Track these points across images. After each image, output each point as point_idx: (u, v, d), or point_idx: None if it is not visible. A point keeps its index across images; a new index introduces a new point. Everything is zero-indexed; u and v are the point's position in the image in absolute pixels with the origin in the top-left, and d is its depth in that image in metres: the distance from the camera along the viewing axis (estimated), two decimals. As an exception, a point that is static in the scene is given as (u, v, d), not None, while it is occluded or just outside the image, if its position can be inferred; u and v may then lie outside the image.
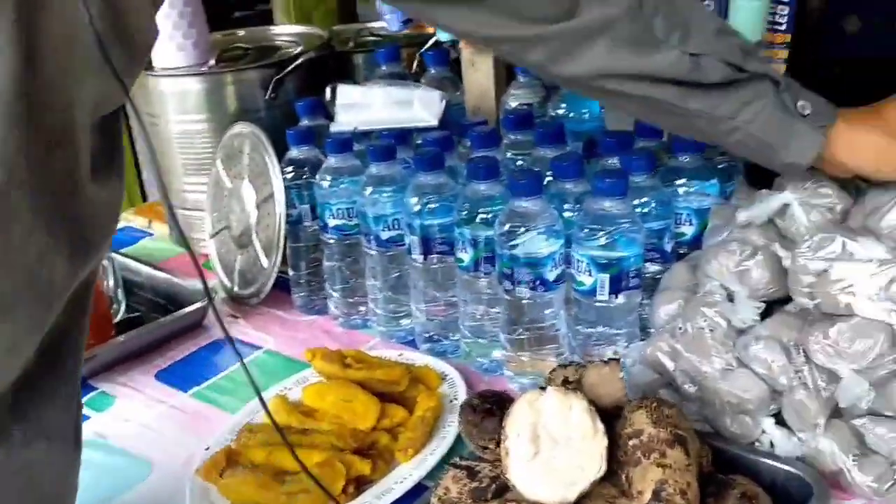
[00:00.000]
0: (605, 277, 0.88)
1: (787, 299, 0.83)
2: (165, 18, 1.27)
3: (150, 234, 1.52)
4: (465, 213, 0.96)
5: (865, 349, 0.73)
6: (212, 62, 1.31)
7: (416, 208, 1.00)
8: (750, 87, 0.72)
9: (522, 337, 0.95)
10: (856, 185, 0.88)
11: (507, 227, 0.91)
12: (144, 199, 2.04)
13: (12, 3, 0.46)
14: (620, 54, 0.71)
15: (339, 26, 1.74)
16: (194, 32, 1.31)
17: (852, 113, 0.76)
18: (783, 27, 0.87)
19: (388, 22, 1.24)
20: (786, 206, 0.85)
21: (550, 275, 0.91)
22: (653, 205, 0.94)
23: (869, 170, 0.77)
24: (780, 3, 0.86)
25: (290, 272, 1.20)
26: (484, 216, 0.95)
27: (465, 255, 0.97)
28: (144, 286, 1.28)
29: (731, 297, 0.84)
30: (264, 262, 1.17)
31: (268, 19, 1.99)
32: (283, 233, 1.14)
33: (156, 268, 1.29)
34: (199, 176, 1.32)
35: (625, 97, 0.74)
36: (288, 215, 1.14)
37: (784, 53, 0.89)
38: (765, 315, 0.83)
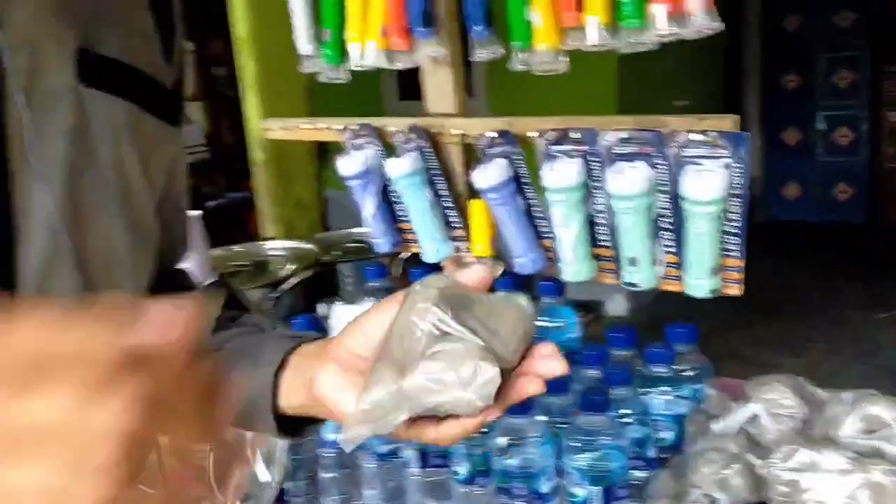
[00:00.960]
0: (598, 490, 0.94)
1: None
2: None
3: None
4: (461, 427, 1.03)
5: (841, 555, 0.80)
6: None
7: (414, 423, 1.07)
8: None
9: (520, 549, 0.99)
10: (813, 393, 0.98)
11: (501, 441, 0.98)
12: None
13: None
14: None
15: (322, 234, 1.87)
16: (197, 254, 1.41)
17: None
18: (737, 253, 0.99)
19: (377, 245, 1.34)
20: (755, 416, 0.94)
21: (545, 487, 0.97)
22: (634, 414, 1.02)
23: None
24: (730, 234, 0.99)
25: (288, 484, 1.24)
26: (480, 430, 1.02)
27: (462, 469, 1.03)
28: None
29: (714, 505, 0.91)
30: (264, 476, 1.21)
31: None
32: (284, 449, 1.18)
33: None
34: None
35: None
36: (287, 430, 1.19)
37: (739, 275, 1.01)
38: (747, 521, 0.90)
